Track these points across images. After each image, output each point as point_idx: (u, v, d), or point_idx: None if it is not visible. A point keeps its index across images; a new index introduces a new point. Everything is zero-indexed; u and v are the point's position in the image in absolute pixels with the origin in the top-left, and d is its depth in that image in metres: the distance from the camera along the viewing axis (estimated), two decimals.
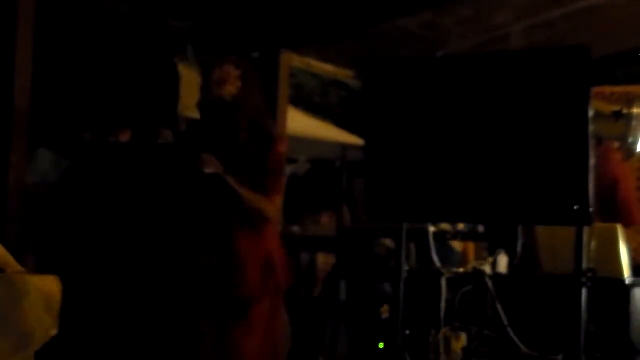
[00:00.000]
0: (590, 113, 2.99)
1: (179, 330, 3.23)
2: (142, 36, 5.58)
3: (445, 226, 4.38)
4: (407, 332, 3.64)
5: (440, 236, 4.17)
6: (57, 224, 3.37)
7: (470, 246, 5.86)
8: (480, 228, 4.63)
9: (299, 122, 7.41)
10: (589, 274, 3.06)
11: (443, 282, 3.85)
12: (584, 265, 3.07)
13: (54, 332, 3.14)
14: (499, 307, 3.70)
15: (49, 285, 3.54)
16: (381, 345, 4.00)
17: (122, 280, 3.21)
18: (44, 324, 3.34)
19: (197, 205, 3.42)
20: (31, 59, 4.28)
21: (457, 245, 5.45)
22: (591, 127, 2.99)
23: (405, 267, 3.50)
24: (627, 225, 4.12)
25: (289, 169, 6.98)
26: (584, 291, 3.05)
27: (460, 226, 4.62)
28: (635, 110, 3.78)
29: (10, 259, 3.73)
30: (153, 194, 3.31)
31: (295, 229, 4.47)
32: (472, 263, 4.19)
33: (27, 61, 4.27)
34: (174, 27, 5.79)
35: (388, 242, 4.48)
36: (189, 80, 5.96)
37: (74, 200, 3.36)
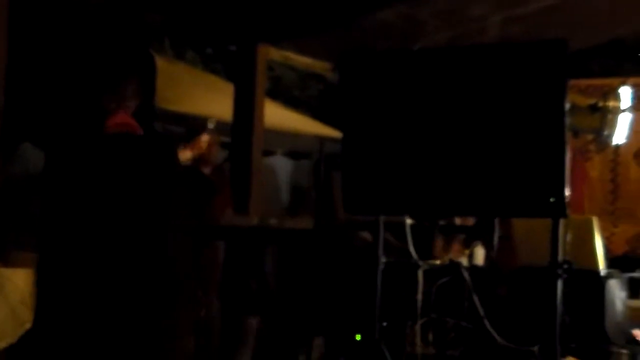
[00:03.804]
0: (567, 106, 3.00)
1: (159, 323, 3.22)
2: (119, 28, 5.55)
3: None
4: (384, 324, 3.65)
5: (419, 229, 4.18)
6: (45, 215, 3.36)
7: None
8: (458, 220, 4.65)
9: (277, 115, 7.40)
10: (565, 266, 3.08)
11: (420, 274, 3.86)
12: (560, 257, 3.08)
13: (28, 325, 3.13)
14: (475, 299, 3.71)
15: (24, 278, 3.53)
16: (358, 337, 4.00)
17: (100, 271, 3.19)
18: (18, 317, 3.33)
19: (174, 197, 3.41)
20: (6, 55, 4.24)
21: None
22: (567, 120, 3.01)
23: (383, 260, 3.50)
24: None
25: (267, 161, 6.97)
26: (559, 283, 3.06)
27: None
28: (610, 103, 3.80)
29: None
30: (131, 186, 3.30)
31: (273, 221, 4.46)
32: (449, 255, 4.21)
33: (2, 57, 4.23)
34: (151, 19, 5.76)
35: (366, 235, 4.48)
36: (166, 72, 5.94)
37: (56, 192, 3.34)
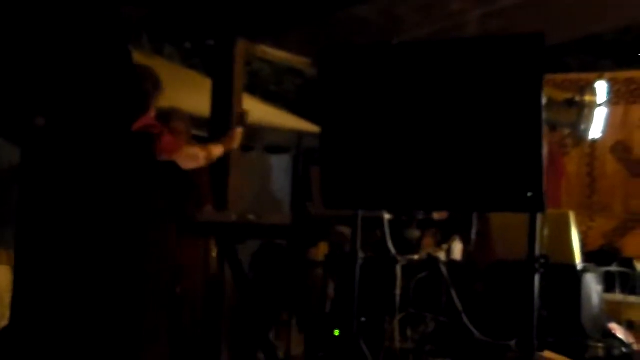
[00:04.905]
0: (544, 101, 3.01)
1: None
2: (96, 23, 5.50)
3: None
4: (363, 319, 3.65)
5: (396, 224, 4.18)
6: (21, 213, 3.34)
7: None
8: (436, 215, 4.65)
9: (255, 110, 7.37)
10: (542, 261, 3.09)
11: (398, 269, 3.86)
12: (537, 251, 3.09)
13: (3, 322, 3.10)
14: (453, 293, 3.72)
15: None
16: (337, 332, 4.00)
17: (77, 270, 3.17)
18: None
19: (151, 192, 3.40)
20: None
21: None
22: (544, 115, 3.02)
23: (361, 255, 3.50)
24: None
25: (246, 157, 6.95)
26: (536, 277, 3.07)
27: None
28: (587, 98, 3.82)
29: None
30: (109, 181, 3.28)
31: (251, 217, 4.44)
32: (427, 250, 4.22)
33: None
34: (128, 14, 5.72)
35: (344, 229, 4.48)
36: None
37: (31, 189, 3.32)
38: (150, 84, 4.19)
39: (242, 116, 4.70)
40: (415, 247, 4.16)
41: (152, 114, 4.21)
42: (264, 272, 4.81)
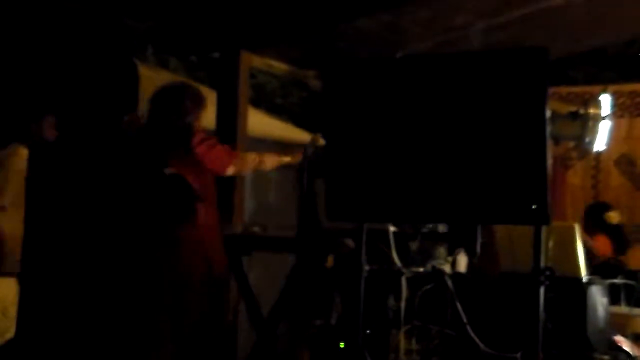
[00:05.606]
0: (548, 114, 3.02)
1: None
2: (102, 36, 5.54)
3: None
4: (368, 331, 3.65)
5: (401, 236, 4.19)
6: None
7: None
8: (441, 228, 4.65)
9: (260, 123, 7.40)
10: (547, 273, 3.09)
11: (403, 281, 3.87)
12: (542, 264, 3.09)
13: (9, 335, 3.11)
14: (458, 306, 3.72)
15: (4, 288, 3.50)
16: (342, 345, 4.00)
17: (82, 281, 3.18)
18: None
19: (157, 202, 3.41)
20: None
21: None
22: (548, 128, 3.02)
23: (366, 267, 3.50)
24: None
25: None
26: (541, 290, 3.07)
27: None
28: (591, 110, 3.82)
29: None
30: (114, 193, 3.30)
31: (256, 229, 4.45)
32: (431, 262, 4.22)
33: None
34: (133, 27, 5.74)
35: (350, 242, 4.49)
36: (149, 80, 5.93)
37: (37, 204, 3.34)
38: (189, 101, 4.27)
39: (314, 138, 4.85)
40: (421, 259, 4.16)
41: (200, 131, 4.27)
42: (300, 284, 4.82)
